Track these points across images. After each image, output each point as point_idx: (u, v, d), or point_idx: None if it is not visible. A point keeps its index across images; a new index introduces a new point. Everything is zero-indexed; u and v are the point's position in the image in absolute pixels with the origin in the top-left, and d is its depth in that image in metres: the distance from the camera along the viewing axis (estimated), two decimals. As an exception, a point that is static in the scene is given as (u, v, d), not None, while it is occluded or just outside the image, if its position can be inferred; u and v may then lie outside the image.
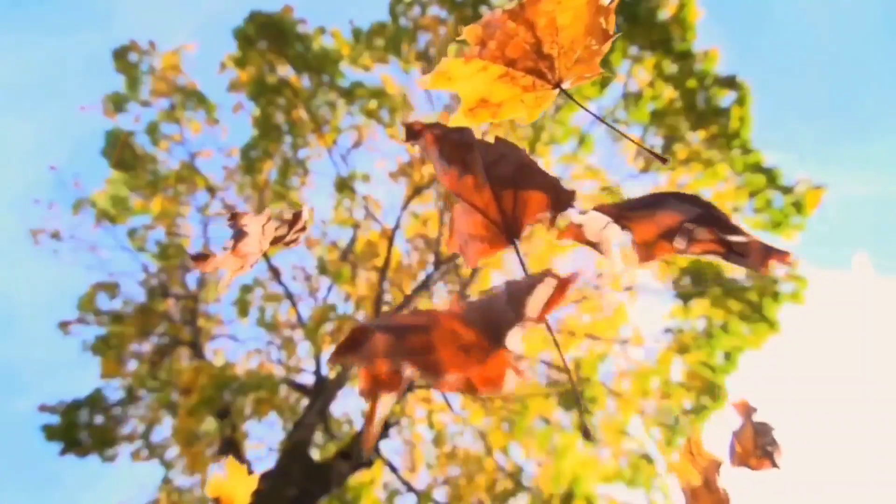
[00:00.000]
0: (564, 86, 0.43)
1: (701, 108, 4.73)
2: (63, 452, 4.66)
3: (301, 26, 5.15)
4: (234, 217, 0.42)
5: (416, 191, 5.15)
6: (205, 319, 5.48)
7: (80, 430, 4.72)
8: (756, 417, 0.66)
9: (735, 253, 0.32)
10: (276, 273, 5.28)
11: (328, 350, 5.07)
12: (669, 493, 4.62)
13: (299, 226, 0.44)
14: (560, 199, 0.38)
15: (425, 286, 5.19)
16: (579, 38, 0.41)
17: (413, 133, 0.40)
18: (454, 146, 0.40)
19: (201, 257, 0.39)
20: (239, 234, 0.41)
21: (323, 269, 5.42)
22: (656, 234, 0.35)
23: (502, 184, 0.39)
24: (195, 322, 5.33)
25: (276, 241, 0.44)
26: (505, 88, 0.44)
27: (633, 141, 0.45)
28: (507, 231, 0.39)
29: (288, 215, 0.45)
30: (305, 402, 4.87)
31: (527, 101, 0.44)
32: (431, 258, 5.30)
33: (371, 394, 0.25)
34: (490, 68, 0.43)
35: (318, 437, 4.83)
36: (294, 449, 4.12)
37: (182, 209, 5.39)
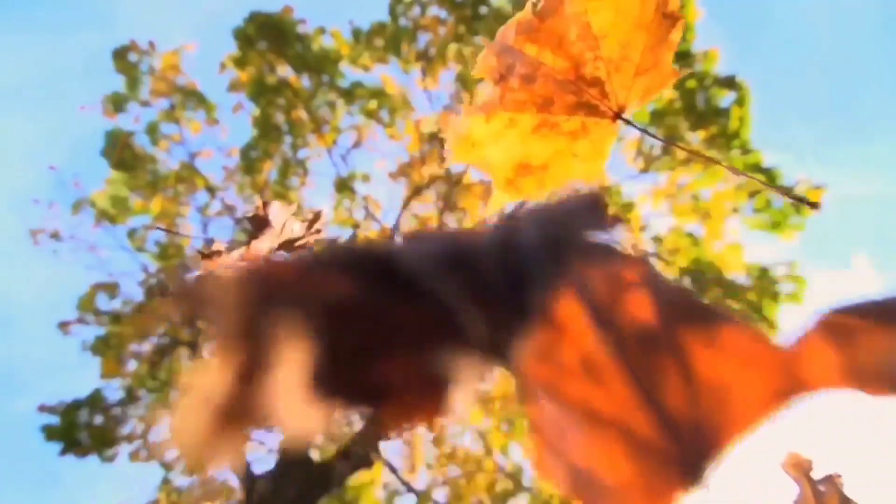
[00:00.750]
0: (627, 114, 0.32)
1: (701, 108, 4.73)
2: (63, 452, 4.66)
3: (301, 26, 5.15)
4: (264, 205, 0.40)
5: (416, 191, 5.15)
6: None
7: (80, 430, 4.72)
8: (816, 474, 0.46)
9: None
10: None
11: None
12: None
13: (316, 227, 0.42)
14: (793, 376, 0.17)
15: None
16: (632, 40, 0.29)
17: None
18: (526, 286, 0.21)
19: (209, 255, 0.39)
20: (262, 226, 0.39)
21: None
22: None
23: (650, 358, 0.19)
24: (195, 323, 5.33)
25: (288, 243, 0.42)
26: (546, 142, 0.32)
27: (774, 188, 0.33)
28: (685, 459, 0.18)
29: (308, 214, 0.42)
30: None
31: (581, 153, 0.32)
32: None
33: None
34: (520, 120, 0.32)
35: (318, 437, 4.82)
36: (294, 450, 4.11)
37: (182, 209, 5.39)
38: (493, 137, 0.32)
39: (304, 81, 5.23)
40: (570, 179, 0.33)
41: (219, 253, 0.38)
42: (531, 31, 0.31)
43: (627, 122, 0.32)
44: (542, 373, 0.19)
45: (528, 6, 0.31)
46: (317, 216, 0.42)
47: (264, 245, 0.39)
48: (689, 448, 0.17)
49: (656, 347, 0.18)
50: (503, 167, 0.33)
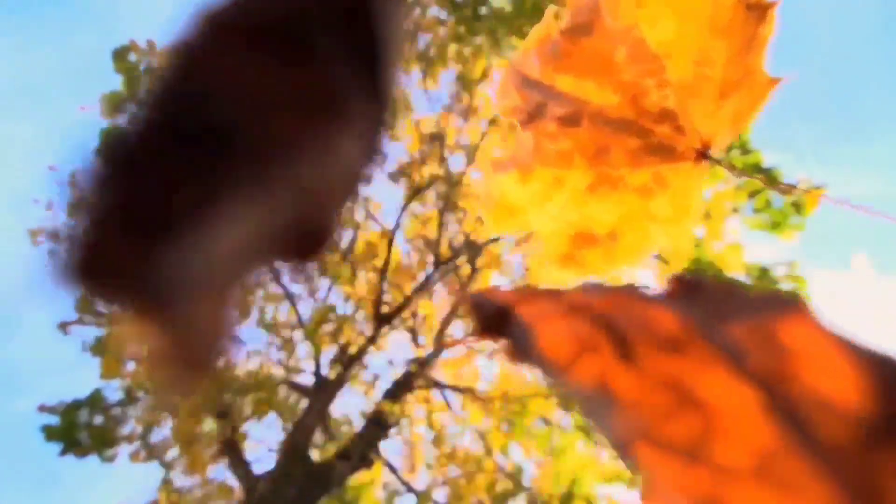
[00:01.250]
0: (716, 150, 0.20)
1: (701, 108, 4.73)
2: (63, 453, 4.66)
3: (301, 27, 5.15)
4: None
5: (416, 191, 5.15)
6: (204, 320, 5.47)
7: (80, 430, 4.71)
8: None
9: None
10: (275, 273, 5.27)
11: (328, 350, 5.08)
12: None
13: None
14: None
15: (425, 287, 5.19)
16: (709, 51, 0.19)
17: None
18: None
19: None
20: None
21: (323, 269, 5.42)
22: None
23: (864, 453, 0.11)
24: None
25: None
26: (609, 204, 0.21)
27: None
28: None
29: None
30: (305, 402, 4.87)
31: (661, 212, 0.22)
32: (431, 259, 5.30)
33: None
34: (567, 177, 0.21)
35: (318, 437, 4.83)
36: (294, 450, 4.11)
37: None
38: (534, 201, 0.21)
39: (304, 82, 5.22)
40: (650, 248, 0.22)
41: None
42: (561, 58, 0.20)
43: (718, 161, 0.20)
44: (691, 477, 0.13)
45: (547, 22, 0.21)
46: None
47: None
48: None
49: (872, 437, 0.11)
50: (555, 238, 0.22)
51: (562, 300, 0.16)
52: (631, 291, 0.16)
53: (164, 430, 5.02)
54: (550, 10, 0.24)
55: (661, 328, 0.14)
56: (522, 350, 0.17)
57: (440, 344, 5.01)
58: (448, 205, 5.11)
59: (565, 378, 0.16)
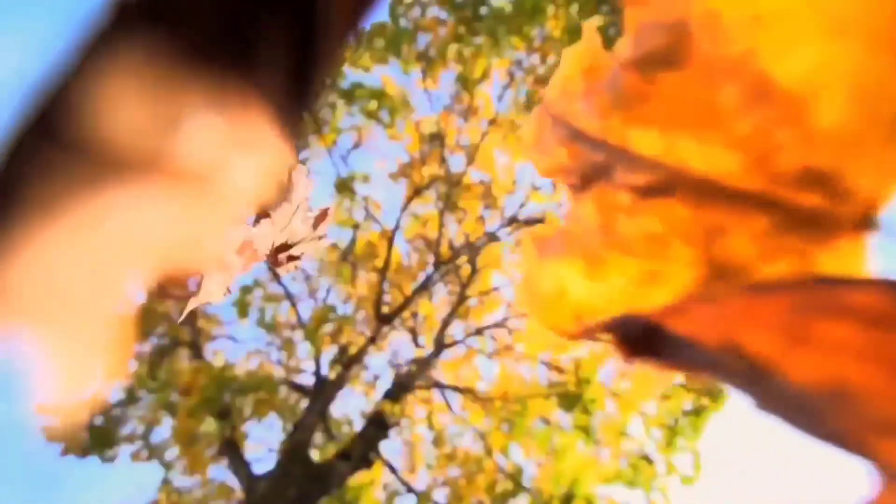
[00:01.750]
0: (882, 210, 0.14)
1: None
2: (63, 453, 4.66)
3: (301, 27, 5.15)
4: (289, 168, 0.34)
5: (416, 191, 5.15)
6: (204, 320, 5.48)
7: (80, 430, 4.71)
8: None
9: None
10: (275, 273, 5.27)
11: (328, 350, 5.08)
12: (669, 493, 4.63)
13: (321, 230, 0.40)
14: None
15: (425, 287, 5.19)
16: (875, 80, 0.13)
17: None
18: None
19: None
20: (278, 197, 0.34)
21: (323, 269, 5.42)
22: None
23: None
24: (195, 323, 5.33)
25: (284, 248, 0.39)
26: None
27: None
28: None
29: (314, 212, 0.39)
30: (305, 402, 4.87)
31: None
32: (431, 259, 5.30)
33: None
34: (665, 273, 0.17)
35: (318, 437, 4.83)
36: (294, 450, 4.11)
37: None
38: (614, 301, 0.17)
39: (304, 82, 5.22)
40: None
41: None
42: (631, 102, 0.15)
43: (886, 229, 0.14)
44: None
45: (591, 48, 0.16)
46: (324, 214, 0.39)
47: (264, 237, 0.35)
48: None
49: None
50: None
51: (725, 307, 0.14)
52: (809, 283, 0.14)
53: (164, 430, 5.03)
54: (590, 25, 0.17)
55: (865, 309, 0.13)
56: (689, 362, 0.15)
57: (440, 344, 5.01)
58: (448, 205, 5.12)
59: (768, 380, 0.14)
